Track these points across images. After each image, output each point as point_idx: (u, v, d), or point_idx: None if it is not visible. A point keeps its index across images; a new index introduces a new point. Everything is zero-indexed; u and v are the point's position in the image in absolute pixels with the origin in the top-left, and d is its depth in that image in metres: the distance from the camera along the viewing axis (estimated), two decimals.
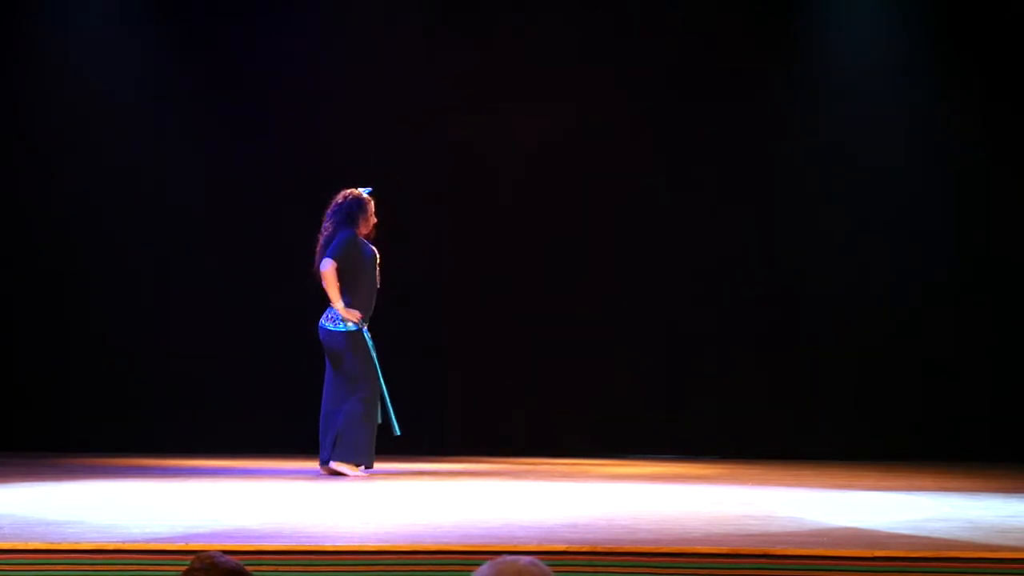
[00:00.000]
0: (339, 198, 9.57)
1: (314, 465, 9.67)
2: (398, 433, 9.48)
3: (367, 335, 9.49)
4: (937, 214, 11.63)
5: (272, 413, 11.49)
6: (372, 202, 9.56)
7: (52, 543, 5.58)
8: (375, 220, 9.56)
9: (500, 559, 3.23)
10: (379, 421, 9.49)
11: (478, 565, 3.26)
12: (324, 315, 9.52)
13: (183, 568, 3.46)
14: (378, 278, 9.56)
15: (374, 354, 9.48)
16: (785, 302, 11.66)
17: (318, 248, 9.55)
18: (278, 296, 11.53)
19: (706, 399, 11.64)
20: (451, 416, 11.75)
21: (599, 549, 5.55)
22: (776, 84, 11.76)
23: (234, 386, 11.65)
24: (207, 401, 11.68)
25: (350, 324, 9.44)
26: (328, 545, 5.64)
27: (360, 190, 9.59)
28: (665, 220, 11.74)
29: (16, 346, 11.77)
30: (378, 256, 9.58)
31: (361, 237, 9.56)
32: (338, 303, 9.43)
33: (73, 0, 11.93)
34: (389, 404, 9.48)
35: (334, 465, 9.42)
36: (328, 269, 9.42)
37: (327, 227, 9.54)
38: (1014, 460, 10.99)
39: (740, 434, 11.55)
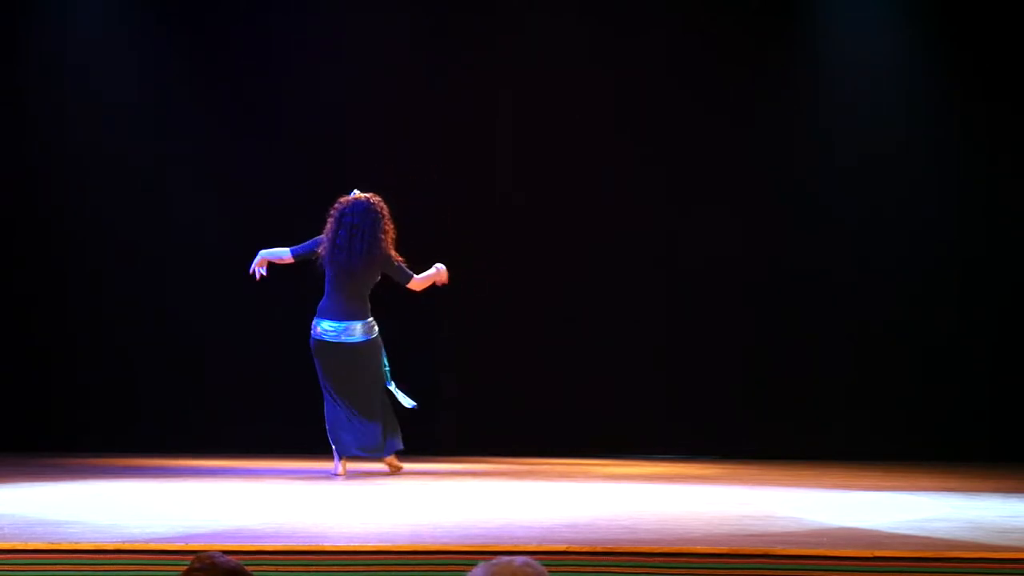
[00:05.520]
0: (376, 205, 9.42)
1: (314, 465, 9.66)
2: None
3: None
4: (938, 212, 11.62)
5: (273, 414, 11.48)
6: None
7: (52, 543, 5.58)
8: None
9: (495, 560, 3.22)
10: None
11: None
12: (356, 325, 9.43)
13: (183, 568, 3.46)
14: None
15: None
16: (785, 301, 11.65)
17: (373, 249, 9.39)
18: (280, 297, 11.51)
19: (706, 399, 11.63)
20: (449, 416, 11.74)
21: (599, 549, 5.56)
22: (776, 82, 11.75)
23: (235, 386, 11.64)
24: (207, 401, 11.67)
25: (376, 330, 9.47)
26: (328, 545, 5.64)
27: (360, 194, 9.51)
28: (665, 219, 11.73)
29: (17, 346, 11.76)
30: None
31: None
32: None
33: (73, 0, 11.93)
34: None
35: (393, 459, 9.52)
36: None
37: (379, 236, 9.42)
38: (1014, 460, 10.99)
39: (740, 434, 11.55)
